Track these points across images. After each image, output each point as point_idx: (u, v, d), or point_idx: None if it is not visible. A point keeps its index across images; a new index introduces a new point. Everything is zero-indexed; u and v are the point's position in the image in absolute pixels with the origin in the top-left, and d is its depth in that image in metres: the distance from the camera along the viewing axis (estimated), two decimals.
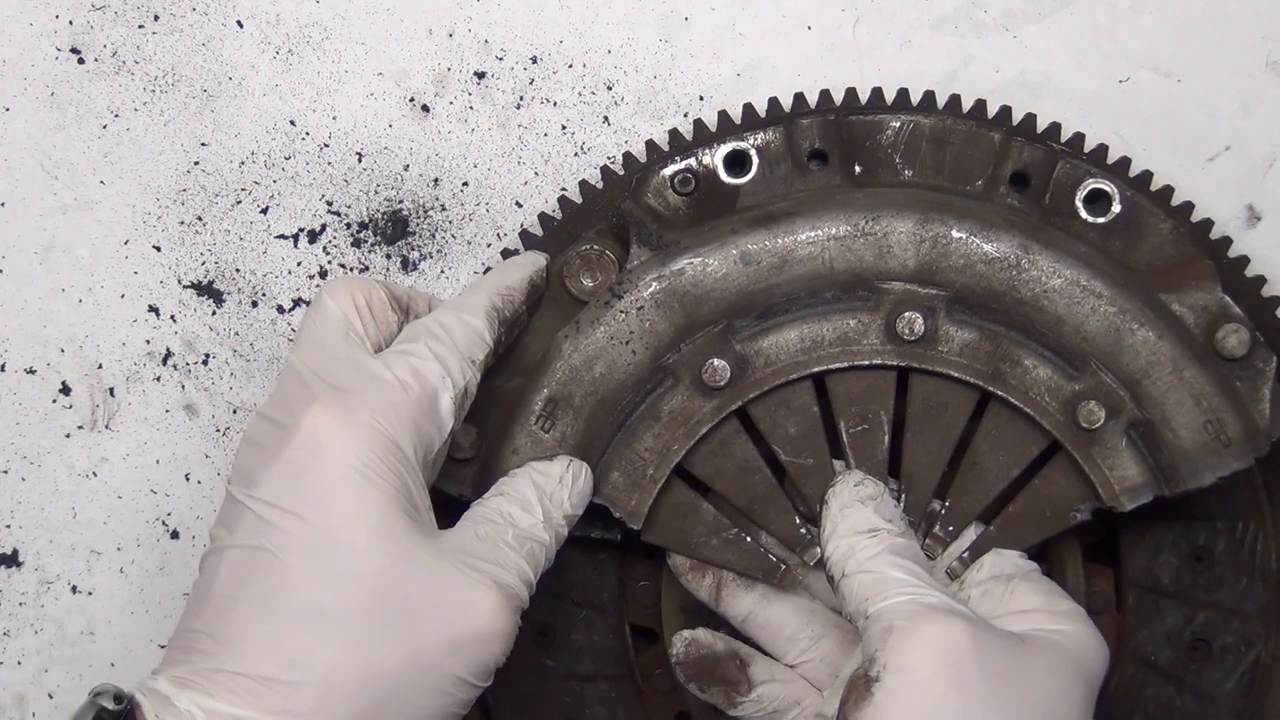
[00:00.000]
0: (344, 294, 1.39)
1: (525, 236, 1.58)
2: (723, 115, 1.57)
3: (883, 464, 1.45)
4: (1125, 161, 1.55)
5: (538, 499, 1.41)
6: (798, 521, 1.46)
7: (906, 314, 1.44)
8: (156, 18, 1.61)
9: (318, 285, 1.62)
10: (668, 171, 1.53)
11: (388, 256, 1.62)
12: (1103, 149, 1.55)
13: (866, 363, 1.45)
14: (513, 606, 1.32)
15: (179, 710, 1.24)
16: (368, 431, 1.31)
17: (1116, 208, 1.50)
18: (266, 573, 1.27)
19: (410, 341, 1.39)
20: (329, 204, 1.62)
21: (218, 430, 1.64)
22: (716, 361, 1.45)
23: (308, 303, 1.62)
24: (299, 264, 1.62)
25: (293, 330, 1.63)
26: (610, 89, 1.62)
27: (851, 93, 1.57)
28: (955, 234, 1.46)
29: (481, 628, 1.30)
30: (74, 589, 1.66)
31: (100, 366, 1.63)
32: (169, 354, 1.63)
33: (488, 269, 1.60)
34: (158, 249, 1.63)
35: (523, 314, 1.48)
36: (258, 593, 1.27)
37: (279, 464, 1.30)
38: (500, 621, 1.30)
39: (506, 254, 1.59)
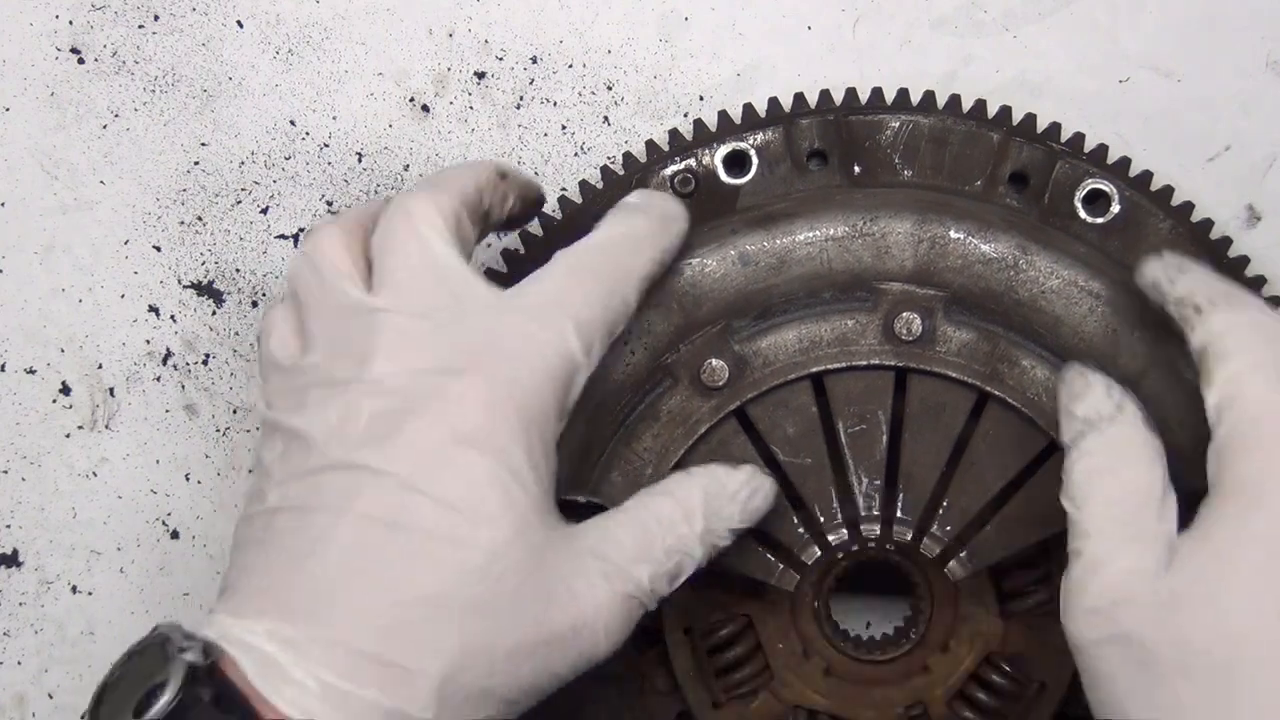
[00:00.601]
0: (433, 206, 1.33)
1: (525, 237, 1.58)
2: (723, 115, 1.57)
3: (881, 464, 1.45)
4: (1125, 161, 1.55)
5: (704, 510, 1.35)
6: (795, 521, 1.46)
7: (904, 314, 1.43)
8: (156, 18, 1.61)
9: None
10: (667, 172, 1.53)
11: None
12: (1102, 149, 1.55)
13: (865, 363, 1.44)
14: (633, 619, 1.31)
15: (291, 679, 1.18)
16: (516, 416, 1.25)
17: (1115, 208, 1.50)
18: (398, 551, 1.22)
19: (560, 297, 1.32)
20: (329, 204, 1.62)
21: (218, 430, 1.64)
22: (715, 362, 1.45)
23: None
24: None
25: None
26: (610, 89, 1.62)
27: (851, 93, 1.57)
28: (953, 234, 1.46)
29: (596, 641, 1.29)
30: (74, 589, 1.66)
31: (100, 366, 1.64)
32: (169, 354, 1.64)
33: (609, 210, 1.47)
34: (158, 249, 1.63)
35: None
36: (385, 570, 1.22)
37: (418, 440, 1.24)
38: (615, 637, 1.30)
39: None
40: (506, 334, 1.28)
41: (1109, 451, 1.30)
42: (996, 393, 1.43)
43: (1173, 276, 1.36)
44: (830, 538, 1.46)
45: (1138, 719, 1.22)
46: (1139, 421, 1.30)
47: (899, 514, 1.46)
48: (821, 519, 1.46)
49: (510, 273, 1.55)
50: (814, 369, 1.45)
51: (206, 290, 1.63)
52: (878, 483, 1.46)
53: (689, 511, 1.36)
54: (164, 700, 1.16)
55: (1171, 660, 1.21)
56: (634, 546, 1.32)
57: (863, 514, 1.46)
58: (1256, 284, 1.54)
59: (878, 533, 1.46)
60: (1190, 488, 1.35)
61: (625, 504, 1.36)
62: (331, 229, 1.34)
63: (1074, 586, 1.28)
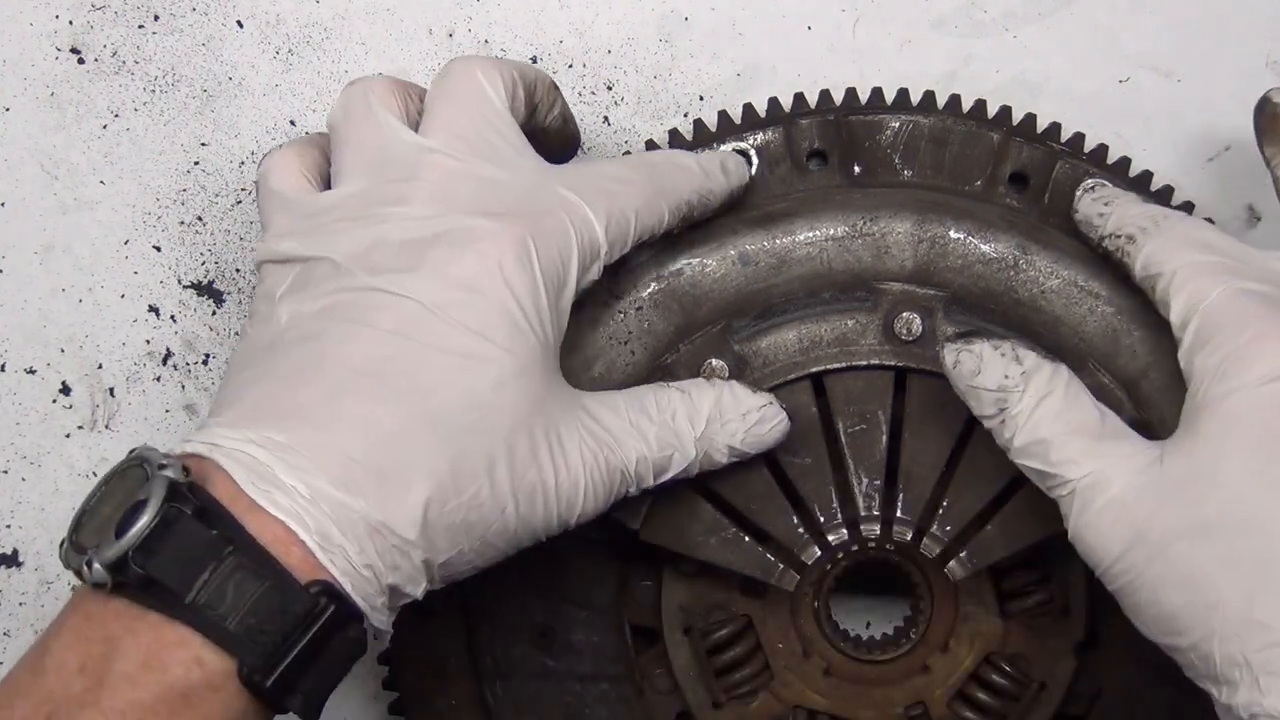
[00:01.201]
0: (495, 70, 1.38)
1: None
2: (722, 115, 1.57)
3: (880, 464, 1.45)
4: (1125, 161, 1.55)
5: (709, 415, 1.38)
6: (795, 521, 1.45)
7: (904, 314, 1.43)
8: (156, 18, 1.61)
9: None
10: None
11: None
12: (1102, 149, 1.55)
13: (864, 363, 1.45)
14: (614, 493, 1.33)
15: (281, 484, 1.18)
16: (538, 270, 1.29)
17: None
18: (405, 366, 1.23)
19: (604, 185, 1.37)
20: None
21: None
22: (715, 361, 1.45)
23: None
24: None
25: None
26: (610, 89, 1.62)
27: (851, 93, 1.57)
28: (953, 234, 1.46)
29: (574, 501, 1.31)
30: (74, 589, 1.65)
31: (100, 366, 1.63)
32: (169, 354, 1.63)
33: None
34: (158, 249, 1.63)
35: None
36: (390, 383, 1.23)
37: (442, 271, 1.26)
38: (592, 504, 1.32)
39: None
40: (546, 197, 1.33)
41: (1041, 401, 1.33)
42: None
43: (1101, 211, 1.43)
44: (830, 537, 1.47)
45: (1177, 606, 1.24)
46: (1041, 360, 1.34)
47: (899, 514, 1.46)
48: (821, 519, 1.46)
49: None
50: (814, 369, 1.46)
51: (206, 290, 1.63)
52: (877, 482, 1.46)
53: (694, 411, 1.37)
54: (145, 519, 1.15)
55: (1192, 539, 1.24)
56: (628, 424, 1.34)
57: (862, 514, 1.46)
58: None
59: (878, 532, 1.46)
60: None
61: (637, 387, 1.39)
62: (387, 79, 1.39)
63: (1084, 517, 1.30)
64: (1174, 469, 1.27)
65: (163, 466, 1.17)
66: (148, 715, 1.13)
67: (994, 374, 1.34)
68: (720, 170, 1.47)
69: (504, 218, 1.29)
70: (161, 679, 1.14)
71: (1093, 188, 1.45)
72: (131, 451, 1.22)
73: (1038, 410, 1.32)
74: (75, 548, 1.18)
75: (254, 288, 1.37)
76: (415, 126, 1.36)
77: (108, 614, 1.16)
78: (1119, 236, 1.40)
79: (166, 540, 1.14)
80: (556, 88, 1.46)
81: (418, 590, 1.24)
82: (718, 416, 1.38)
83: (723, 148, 1.53)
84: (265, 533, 1.17)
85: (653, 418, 1.35)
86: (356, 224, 1.30)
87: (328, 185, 1.38)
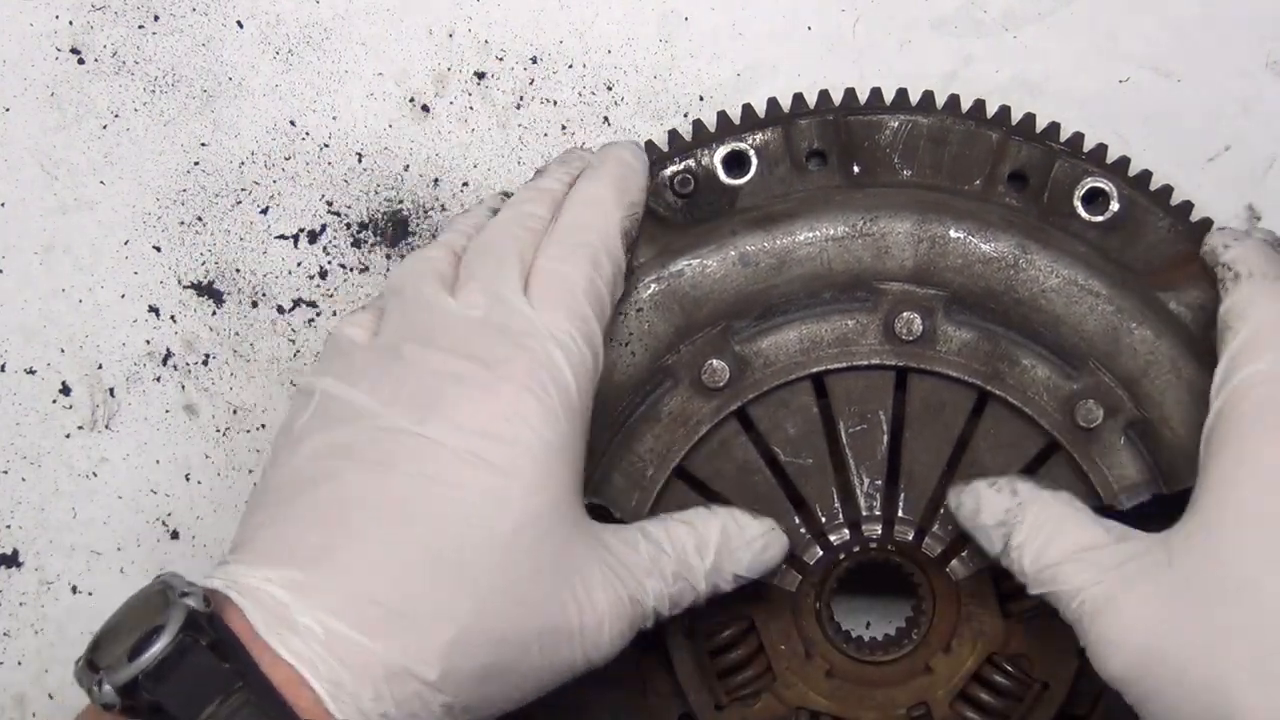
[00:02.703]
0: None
1: None
2: (721, 115, 1.57)
3: (882, 464, 1.45)
4: (1124, 161, 1.55)
5: (717, 548, 1.38)
6: (797, 521, 1.46)
7: (905, 314, 1.43)
8: (156, 18, 1.61)
9: (318, 285, 1.62)
10: (667, 172, 1.53)
11: (388, 257, 1.62)
12: (1102, 148, 1.55)
13: (865, 363, 1.45)
14: (634, 629, 1.33)
15: (296, 625, 1.18)
16: (558, 401, 1.30)
17: (1114, 206, 1.50)
18: (428, 507, 1.23)
19: (569, 285, 1.37)
20: (329, 204, 1.62)
21: (218, 430, 1.64)
22: (716, 362, 1.45)
23: (308, 303, 1.62)
24: (299, 264, 1.62)
25: (293, 330, 1.62)
26: (610, 89, 1.62)
27: (850, 93, 1.57)
28: (953, 234, 1.46)
29: (599, 641, 1.30)
30: (74, 589, 1.66)
31: (100, 366, 1.63)
32: (169, 354, 1.63)
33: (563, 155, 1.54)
34: (158, 249, 1.63)
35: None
36: (412, 523, 1.23)
37: (466, 413, 1.27)
38: (616, 642, 1.31)
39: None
40: (539, 331, 1.33)
41: (1042, 528, 1.35)
42: (997, 392, 1.43)
43: (1228, 243, 1.42)
44: (832, 538, 1.47)
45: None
46: (1038, 489, 1.37)
47: (900, 514, 1.46)
48: (823, 519, 1.46)
49: None
50: (815, 369, 1.46)
51: (206, 290, 1.63)
52: (879, 482, 1.46)
53: (702, 544, 1.38)
54: (161, 644, 1.15)
55: (1211, 648, 1.24)
56: (648, 560, 1.34)
57: (864, 514, 1.46)
58: None
59: (879, 533, 1.46)
60: (1188, 486, 1.36)
61: (643, 522, 1.39)
62: (432, 248, 1.42)
63: (1097, 639, 1.31)
64: (1185, 569, 1.28)
65: (184, 594, 1.18)
66: None
67: (993, 510, 1.38)
68: (626, 168, 1.48)
69: (513, 360, 1.30)
70: None
71: (1224, 228, 1.47)
72: (158, 576, 1.22)
73: (1039, 538, 1.35)
74: (90, 666, 1.19)
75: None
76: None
77: None
78: (1230, 269, 1.40)
79: (179, 669, 1.15)
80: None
81: None
82: (725, 546, 1.39)
83: (720, 148, 1.53)
84: (278, 673, 1.17)
85: (668, 553, 1.36)
86: (386, 368, 1.31)
87: None
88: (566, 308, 1.35)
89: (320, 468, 1.27)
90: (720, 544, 1.39)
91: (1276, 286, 1.37)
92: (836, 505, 1.47)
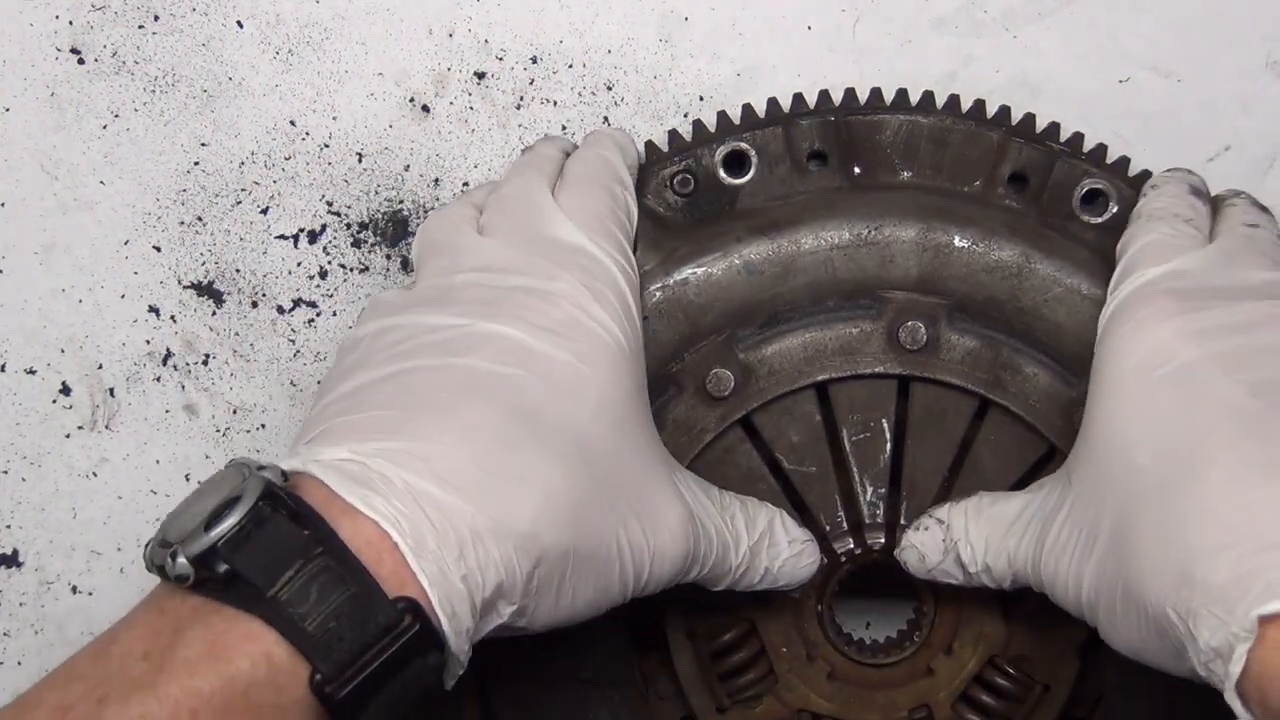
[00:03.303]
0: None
1: None
2: (721, 116, 1.57)
3: (884, 471, 1.46)
4: (1124, 161, 1.55)
5: (761, 533, 1.40)
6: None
7: (909, 323, 1.44)
8: (156, 18, 1.61)
9: (318, 285, 1.62)
10: (667, 172, 1.52)
11: (388, 257, 1.62)
12: (1102, 149, 1.55)
13: (869, 371, 1.45)
14: (685, 564, 1.32)
15: (376, 484, 1.15)
16: (620, 306, 1.33)
17: (1114, 207, 1.50)
18: (516, 382, 1.24)
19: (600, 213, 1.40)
20: (329, 204, 1.62)
21: (218, 430, 1.64)
22: (720, 370, 1.45)
23: (308, 303, 1.62)
24: (299, 264, 1.62)
25: (293, 330, 1.62)
26: (610, 89, 1.62)
27: (850, 93, 1.57)
28: (958, 243, 1.46)
29: (664, 554, 1.30)
30: (74, 589, 1.66)
31: (100, 366, 1.63)
32: (169, 354, 1.63)
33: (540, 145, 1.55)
34: (158, 249, 1.62)
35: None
36: (499, 395, 1.22)
37: (544, 311, 1.29)
38: (673, 568, 1.31)
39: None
40: (587, 247, 1.36)
41: (974, 531, 1.41)
42: (999, 400, 1.44)
43: (1147, 191, 1.47)
44: (835, 544, 1.47)
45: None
46: (954, 505, 1.43)
47: (903, 520, 1.46)
48: (826, 526, 1.47)
49: None
50: (819, 377, 1.46)
51: (206, 290, 1.63)
52: (881, 490, 1.47)
53: (750, 520, 1.39)
54: (237, 515, 1.12)
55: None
56: (703, 506, 1.35)
57: (867, 520, 1.47)
58: None
59: (882, 540, 1.47)
60: None
61: (702, 480, 1.40)
62: (460, 206, 1.44)
63: (1051, 590, 1.35)
64: (1079, 485, 1.32)
65: (261, 468, 1.16)
66: (203, 705, 1.08)
67: (934, 548, 1.42)
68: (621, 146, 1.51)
69: (563, 276, 1.32)
70: (224, 670, 1.09)
71: (1155, 184, 1.48)
72: (230, 460, 1.20)
73: (979, 543, 1.40)
74: (161, 544, 1.14)
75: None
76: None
77: (183, 608, 1.12)
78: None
79: (256, 537, 1.12)
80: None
81: (507, 612, 1.20)
82: (768, 535, 1.40)
83: (720, 149, 1.53)
84: (358, 538, 1.13)
85: (718, 509, 1.37)
86: (433, 298, 1.32)
87: None
88: (602, 230, 1.37)
89: (390, 367, 1.26)
90: (764, 531, 1.39)
91: (1154, 222, 1.41)
92: (839, 512, 1.47)
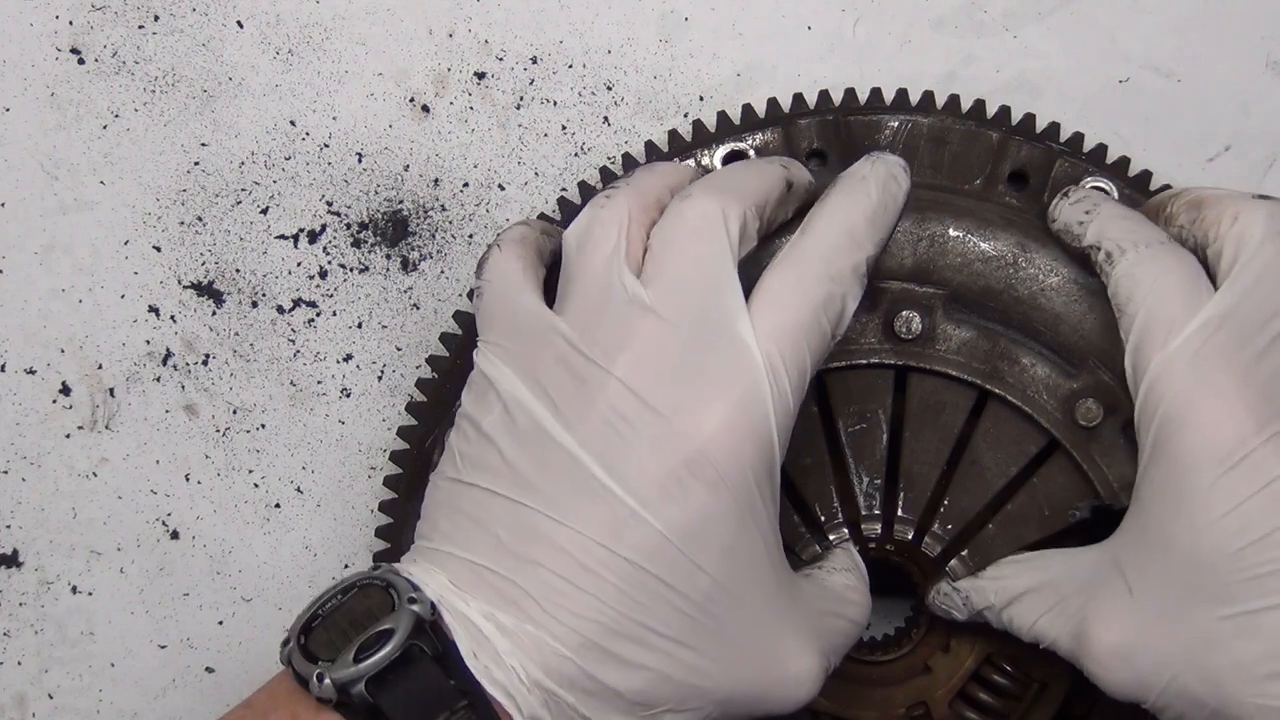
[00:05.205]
0: (720, 219, 1.28)
1: None
2: (721, 116, 1.57)
3: (881, 463, 1.45)
4: (1124, 161, 1.55)
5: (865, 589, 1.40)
6: (797, 520, 1.45)
7: (904, 312, 1.43)
8: (156, 18, 1.61)
9: (318, 285, 1.62)
10: None
11: (388, 257, 1.62)
12: (1102, 149, 1.55)
13: (864, 362, 1.44)
14: (820, 682, 1.30)
15: (502, 664, 1.17)
16: (755, 455, 1.23)
17: None
18: (618, 571, 1.20)
19: (796, 328, 1.27)
20: (329, 204, 1.62)
21: (218, 430, 1.64)
22: None
23: (308, 303, 1.62)
24: (299, 264, 1.62)
25: (293, 330, 1.62)
26: (610, 89, 1.62)
27: (850, 93, 1.57)
28: (952, 232, 1.46)
29: (793, 698, 1.29)
30: (74, 589, 1.66)
31: (100, 367, 1.63)
32: (169, 354, 1.63)
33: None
34: (158, 249, 1.63)
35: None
36: (602, 583, 1.20)
37: (654, 459, 1.21)
38: (809, 689, 1.29)
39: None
40: (753, 368, 1.24)
41: (1004, 594, 1.41)
42: (997, 391, 1.43)
43: (1080, 220, 1.40)
44: (831, 537, 1.46)
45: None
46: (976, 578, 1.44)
47: (900, 513, 1.45)
48: (822, 518, 1.46)
49: None
50: None
51: (206, 290, 1.63)
52: (878, 482, 1.46)
53: (858, 585, 1.41)
54: (388, 649, 1.14)
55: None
56: (824, 611, 1.34)
57: (863, 513, 1.46)
58: None
59: (879, 532, 1.46)
60: None
61: (815, 570, 1.40)
62: (621, 205, 1.29)
63: (1092, 672, 1.34)
64: (1136, 577, 1.32)
65: (413, 600, 1.17)
66: None
67: (959, 613, 1.45)
68: (887, 190, 1.36)
69: (714, 401, 1.22)
70: None
71: (1068, 193, 1.44)
72: (375, 566, 1.21)
73: (1010, 604, 1.41)
74: (306, 654, 1.17)
75: (468, 382, 1.32)
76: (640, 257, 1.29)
77: None
78: (1098, 249, 1.38)
79: (403, 677, 1.14)
80: (790, 185, 1.38)
81: None
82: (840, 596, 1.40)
83: (720, 149, 1.53)
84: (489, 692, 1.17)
85: (844, 617, 1.37)
86: (564, 377, 1.24)
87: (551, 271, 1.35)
88: (790, 343, 1.25)
89: (520, 485, 1.23)
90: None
91: (1149, 254, 1.35)
92: (836, 505, 1.46)
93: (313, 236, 1.62)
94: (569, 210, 1.57)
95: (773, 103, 1.58)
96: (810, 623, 1.30)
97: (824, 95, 1.57)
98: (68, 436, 1.65)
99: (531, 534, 1.21)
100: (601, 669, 1.19)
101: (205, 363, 1.64)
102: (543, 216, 1.59)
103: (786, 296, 1.27)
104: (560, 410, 1.23)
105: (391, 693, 1.13)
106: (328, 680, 1.14)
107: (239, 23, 1.61)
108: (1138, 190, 1.52)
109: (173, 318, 1.63)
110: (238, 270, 1.63)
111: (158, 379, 1.64)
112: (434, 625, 1.17)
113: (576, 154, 1.61)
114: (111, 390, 1.64)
